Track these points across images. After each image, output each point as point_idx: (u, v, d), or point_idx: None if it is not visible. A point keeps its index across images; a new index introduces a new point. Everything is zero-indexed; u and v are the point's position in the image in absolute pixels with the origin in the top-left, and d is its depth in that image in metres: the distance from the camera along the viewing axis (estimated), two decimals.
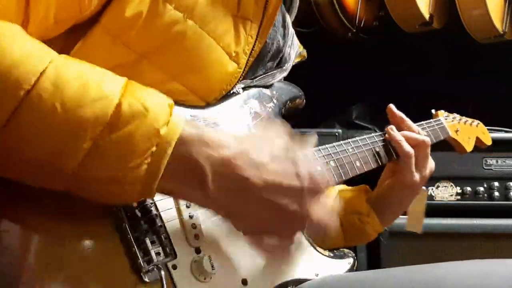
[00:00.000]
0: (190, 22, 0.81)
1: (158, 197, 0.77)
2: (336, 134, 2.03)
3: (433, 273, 0.81)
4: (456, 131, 1.36)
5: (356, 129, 2.47)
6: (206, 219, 0.83)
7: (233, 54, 0.88)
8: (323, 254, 0.97)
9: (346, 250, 1.03)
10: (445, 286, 0.76)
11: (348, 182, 1.25)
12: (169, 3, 0.79)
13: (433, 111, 1.38)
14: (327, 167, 1.00)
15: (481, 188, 1.96)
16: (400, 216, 1.79)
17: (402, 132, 1.16)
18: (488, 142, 1.47)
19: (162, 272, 0.74)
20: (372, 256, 1.89)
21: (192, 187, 0.70)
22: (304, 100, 1.06)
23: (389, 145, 1.14)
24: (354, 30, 2.47)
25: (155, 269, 0.74)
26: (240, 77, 0.91)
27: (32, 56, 0.64)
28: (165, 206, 0.79)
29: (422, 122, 1.27)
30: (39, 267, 0.66)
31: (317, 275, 0.93)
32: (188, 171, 0.69)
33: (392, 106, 1.20)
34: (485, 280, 0.76)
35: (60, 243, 0.68)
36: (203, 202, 0.73)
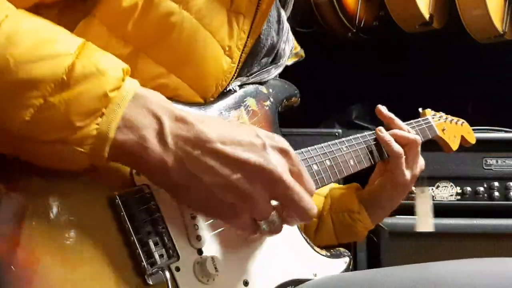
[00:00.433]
0: (185, 13, 0.81)
1: (160, 198, 0.77)
2: (336, 134, 2.03)
3: (432, 272, 0.81)
4: (443, 130, 1.37)
5: (356, 129, 2.47)
6: (208, 219, 0.82)
7: (227, 49, 0.88)
8: (320, 254, 0.97)
9: (342, 249, 1.03)
10: (445, 284, 0.76)
11: (341, 179, 1.26)
12: None
13: (420, 110, 1.39)
14: (323, 165, 1.02)
15: (481, 188, 1.96)
16: (400, 216, 1.81)
17: (392, 131, 1.17)
18: (472, 141, 1.48)
19: (167, 275, 0.73)
20: (372, 256, 1.89)
21: (150, 138, 0.68)
22: (299, 99, 1.07)
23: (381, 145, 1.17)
24: (354, 30, 2.47)
25: (159, 271, 0.73)
26: (235, 73, 0.91)
27: None
28: (167, 207, 0.78)
29: (412, 121, 1.29)
30: (42, 270, 0.65)
31: (315, 274, 0.93)
32: (146, 123, 0.68)
33: (380, 106, 1.22)
34: (484, 278, 0.76)
35: (62, 245, 0.67)
36: (159, 158, 0.69)
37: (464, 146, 1.48)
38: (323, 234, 1.20)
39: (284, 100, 1.03)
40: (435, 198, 1.95)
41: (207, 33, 0.84)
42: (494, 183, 1.96)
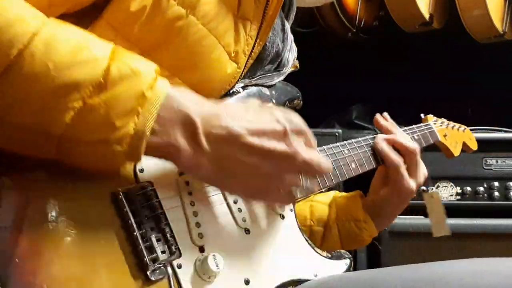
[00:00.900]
0: (192, 18, 0.82)
1: (163, 196, 0.78)
2: (336, 134, 2.03)
3: (431, 271, 0.81)
4: (445, 135, 1.37)
5: (356, 129, 2.47)
6: (211, 218, 0.83)
7: (233, 54, 0.88)
8: (321, 255, 0.98)
9: (343, 251, 1.03)
10: (444, 283, 0.76)
11: (350, 184, 1.27)
12: None
13: (422, 115, 1.40)
14: None
15: (481, 188, 1.96)
16: (400, 216, 1.81)
17: (391, 138, 1.16)
18: (474, 147, 1.49)
19: (170, 271, 0.74)
20: (372, 256, 1.89)
21: (184, 140, 0.70)
22: (301, 102, 1.07)
23: None
24: (354, 30, 2.48)
25: (161, 267, 0.73)
26: (240, 77, 0.92)
27: (26, 17, 0.65)
28: (170, 204, 0.79)
29: (413, 126, 1.29)
30: (45, 263, 0.65)
31: (316, 275, 0.93)
32: (179, 125, 0.70)
33: (378, 116, 1.21)
34: (486, 277, 0.76)
35: (65, 239, 0.68)
36: (194, 159, 0.72)
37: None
38: (329, 243, 1.20)
39: (287, 102, 1.03)
40: None
41: (213, 38, 0.85)
42: (494, 183, 1.96)
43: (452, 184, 1.97)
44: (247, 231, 0.87)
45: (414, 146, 1.16)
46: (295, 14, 1.13)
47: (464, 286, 0.74)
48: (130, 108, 0.67)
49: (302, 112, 1.08)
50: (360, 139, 1.14)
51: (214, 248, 0.80)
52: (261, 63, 0.99)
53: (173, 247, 0.76)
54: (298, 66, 1.14)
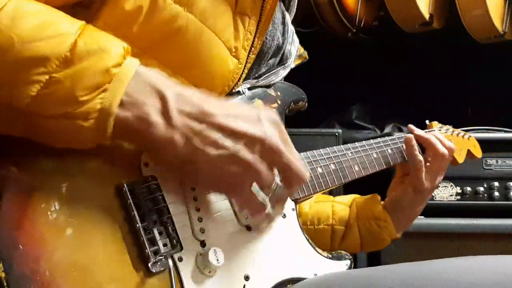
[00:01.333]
0: (190, 16, 0.82)
1: (166, 190, 0.78)
2: (336, 134, 2.03)
3: (430, 268, 0.81)
4: None
5: (356, 129, 2.47)
6: (213, 213, 0.84)
7: (233, 50, 0.89)
8: (321, 255, 0.98)
9: (343, 252, 1.04)
10: (443, 281, 0.76)
11: (349, 187, 1.29)
12: None
13: (427, 122, 1.41)
14: (327, 169, 1.05)
15: (481, 188, 1.96)
16: None
17: (433, 132, 1.24)
18: (479, 155, 1.49)
19: (170, 263, 0.75)
20: (372, 256, 1.89)
21: (155, 113, 0.69)
22: (307, 103, 1.08)
23: (388, 151, 1.20)
24: (354, 30, 2.48)
25: (163, 259, 0.74)
26: (242, 73, 0.92)
27: None
28: (173, 198, 0.79)
29: None
30: (49, 251, 0.66)
31: (315, 274, 0.94)
32: (149, 99, 0.69)
33: (412, 126, 1.27)
34: (481, 274, 0.77)
35: (68, 228, 0.68)
36: (164, 134, 0.70)
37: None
38: (349, 242, 1.22)
39: (292, 104, 1.04)
40: (435, 198, 1.96)
41: (212, 34, 0.85)
42: (494, 183, 1.96)
43: (452, 184, 1.97)
44: (248, 228, 0.87)
45: (444, 150, 1.23)
46: (295, 14, 1.13)
47: (461, 283, 0.75)
48: (96, 83, 0.66)
49: (302, 112, 1.09)
50: (364, 143, 1.17)
51: (215, 243, 0.81)
52: (263, 57, 0.99)
53: (174, 241, 0.77)
54: (307, 57, 1.15)
